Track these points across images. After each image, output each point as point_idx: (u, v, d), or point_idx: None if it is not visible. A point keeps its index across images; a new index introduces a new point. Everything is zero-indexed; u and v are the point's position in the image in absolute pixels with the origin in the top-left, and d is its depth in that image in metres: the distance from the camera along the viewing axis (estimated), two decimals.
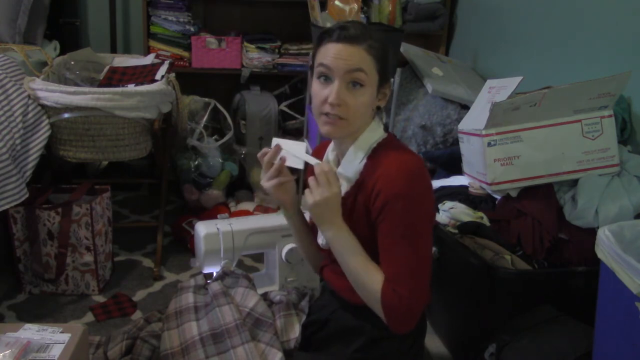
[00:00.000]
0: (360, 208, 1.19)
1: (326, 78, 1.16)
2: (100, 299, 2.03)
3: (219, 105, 2.83)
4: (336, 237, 1.18)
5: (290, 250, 1.72)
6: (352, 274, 1.18)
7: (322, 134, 1.21)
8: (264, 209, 2.62)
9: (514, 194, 1.69)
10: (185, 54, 2.88)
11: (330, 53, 1.15)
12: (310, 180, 1.19)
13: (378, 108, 1.23)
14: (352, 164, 1.22)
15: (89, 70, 2.37)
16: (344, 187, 1.23)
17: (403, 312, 1.12)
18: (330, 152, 1.30)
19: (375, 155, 1.20)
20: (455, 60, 2.80)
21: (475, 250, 1.55)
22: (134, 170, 2.88)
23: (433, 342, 1.37)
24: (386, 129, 1.27)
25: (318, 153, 1.36)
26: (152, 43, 2.85)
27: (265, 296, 1.41)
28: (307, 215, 1.38)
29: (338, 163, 1.27)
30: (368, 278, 1.15)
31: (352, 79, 1.14)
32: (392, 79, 1.25)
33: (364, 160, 1.21)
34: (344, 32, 1.15)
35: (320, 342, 1.31)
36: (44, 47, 2.57)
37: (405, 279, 1.12)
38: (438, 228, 1.66)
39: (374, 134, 1.22)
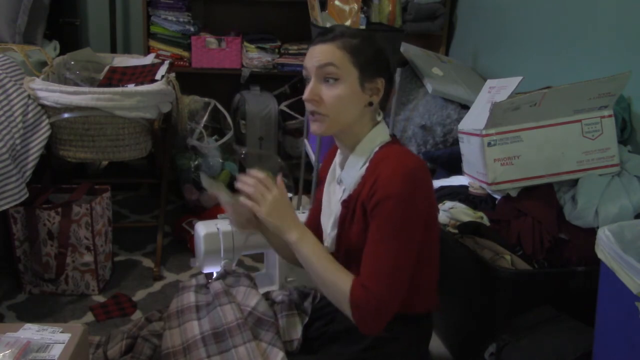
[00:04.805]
0: (359, 211, 1.18)
1: (307, 80, 1.21)
2: (100, 299, 2.03)
3: (219, 105, 2.83)
4: (301, 239, 1.17)
5: None
6: (320, 276, 1.15)
7: (312, 132, 1.23)
8: None
9: (514, 194, 1.69)
10: (185, 54, 2.88)
11: (308, 56, 1.21)
12: (250, 193, 1.18)
13: (370, 104, 1.20)
14: (353, 169, 1.22)
15: (89, 70, 2.37)
16: (346, 192, 1.24)
17: (370, 309, 1.09)
18: (337, 156, 1.32)
19: (376, 158, 1.20)
20: (455, 60, 2.80)
21: (475, 250, 1.55)
22: (134, 170, 2.87)
23: (433, 342, 1.38)
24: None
25: (330, 157, 1.37)
26: (152, 43, 2.85)
27: (267, 296, 1.41)
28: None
29: (342, 168, 1.28)
30: (337, 278, 1.13)
31: (324, 74, 1.17)
32: (387, 75, 1.23)
33: (366, 165, 1.20)
34: (321, 35, 1.20)
35: (324, 342, 1.30)
36: (44, 47, 2.56)
37: (378, 276, 1.10)
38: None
39: (376, 139, 1.22)
